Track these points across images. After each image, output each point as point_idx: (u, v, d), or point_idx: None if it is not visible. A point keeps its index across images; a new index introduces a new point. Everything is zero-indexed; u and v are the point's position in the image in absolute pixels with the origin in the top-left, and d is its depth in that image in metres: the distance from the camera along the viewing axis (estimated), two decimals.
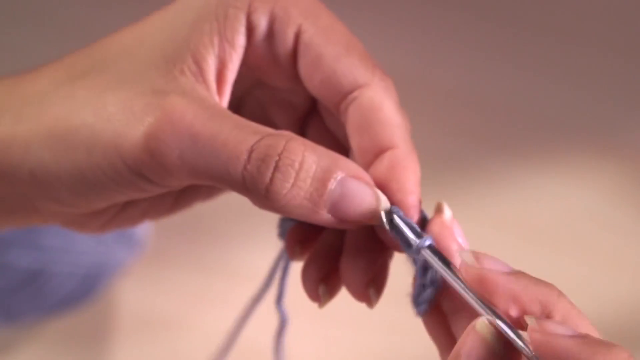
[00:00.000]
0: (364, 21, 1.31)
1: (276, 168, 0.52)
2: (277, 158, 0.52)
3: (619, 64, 1.30)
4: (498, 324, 0.50)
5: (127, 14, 1.28)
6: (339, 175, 0.52)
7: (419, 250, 0.53)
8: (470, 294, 0.51)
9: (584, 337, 0.48)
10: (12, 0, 1.30)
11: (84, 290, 1.05)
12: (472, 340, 0.50)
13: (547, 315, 0.50)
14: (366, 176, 0.54)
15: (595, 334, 0.49)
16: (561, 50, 1.31)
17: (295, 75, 0.57)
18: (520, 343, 0.49)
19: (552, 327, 0.48)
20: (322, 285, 0.57)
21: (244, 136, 0.52)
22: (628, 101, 1.28)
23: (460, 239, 0.55)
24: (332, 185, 0.52)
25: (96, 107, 0.54)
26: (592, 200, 1.20)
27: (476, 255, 0.52)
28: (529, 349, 0.49)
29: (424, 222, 0.56)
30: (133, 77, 0.54)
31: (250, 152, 0.52)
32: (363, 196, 0.53)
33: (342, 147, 0.60)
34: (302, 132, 0.61)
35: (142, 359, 1.11)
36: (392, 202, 0.55)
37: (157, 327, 1.11)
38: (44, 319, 1.08)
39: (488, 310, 0.50)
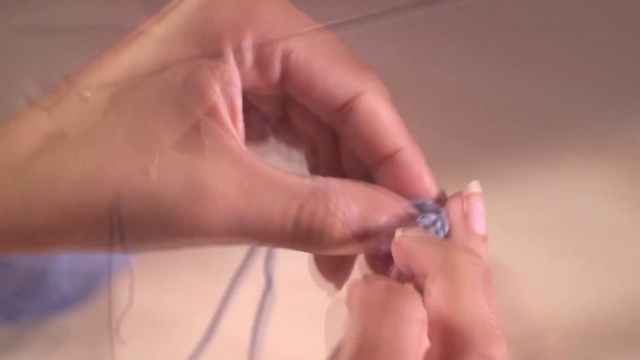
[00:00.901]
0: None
1: (323, 228, 0.53)
2: (323, 220, 0.53)
3: (618, 63, 1.31)
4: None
5: (127, 16, 1.28)
6: (382, 219, 0.54)
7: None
8: None
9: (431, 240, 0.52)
10: (12, 0, 1.31)
11: (85, 289, 1.05)
12: None
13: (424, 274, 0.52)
14: (402, 210, 0.55)
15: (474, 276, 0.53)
16: (560, 50, 1.31)
17: (284, 95, 0.57)
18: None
19: (409, 231, 0.53)
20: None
21: (285, 203, 0.53)
22: (628, 101, 1.28)
23: (478, 212, 0.57)
24: (374, 226, 0.54)
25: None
26: (592, 200, 1.20)
27: (404, 229, 0.55)
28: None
29: None
30: (144, 140, 0.53)
31: (296, 221, 0.53)
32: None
33: (314, 145, 0.61)
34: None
35: (143, 359, 1.11)
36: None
37: (157, 327, 1.11)
38: (45, 319, 1.08)
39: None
